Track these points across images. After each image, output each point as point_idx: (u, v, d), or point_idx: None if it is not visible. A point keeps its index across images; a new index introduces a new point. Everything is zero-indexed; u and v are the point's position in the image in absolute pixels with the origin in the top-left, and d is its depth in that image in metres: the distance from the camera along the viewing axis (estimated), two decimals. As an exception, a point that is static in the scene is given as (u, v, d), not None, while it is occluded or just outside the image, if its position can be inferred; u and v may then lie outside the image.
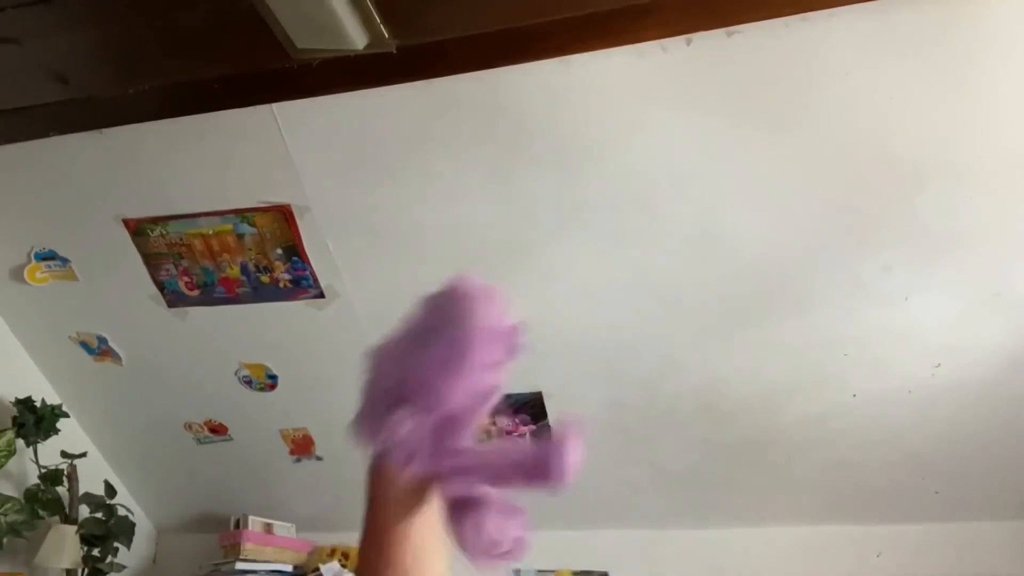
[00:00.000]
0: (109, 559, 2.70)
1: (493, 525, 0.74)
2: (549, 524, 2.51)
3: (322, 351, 2.44)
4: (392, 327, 0.78)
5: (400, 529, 0.68)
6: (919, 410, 2.21)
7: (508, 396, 2.43)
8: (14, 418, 2.51)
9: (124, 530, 2.73)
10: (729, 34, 1.57)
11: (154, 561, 3.19)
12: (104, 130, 1.99)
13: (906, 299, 1.98)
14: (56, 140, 2.03)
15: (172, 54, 1.76)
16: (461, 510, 0.73)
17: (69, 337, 2.60)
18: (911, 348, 2.08)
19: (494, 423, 2.51)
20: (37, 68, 1.82)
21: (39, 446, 2.55)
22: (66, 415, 2.65)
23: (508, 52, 1.65)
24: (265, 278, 2.25)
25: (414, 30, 1.62)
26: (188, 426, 2.82)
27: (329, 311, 2.30)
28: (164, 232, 2.21)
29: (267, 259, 2.21)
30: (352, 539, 2.94)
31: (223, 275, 2.27)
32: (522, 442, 0.82)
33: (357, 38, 1.61)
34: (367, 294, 2.25)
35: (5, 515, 2.35)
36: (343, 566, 2.82)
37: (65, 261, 2.36)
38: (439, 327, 0.76)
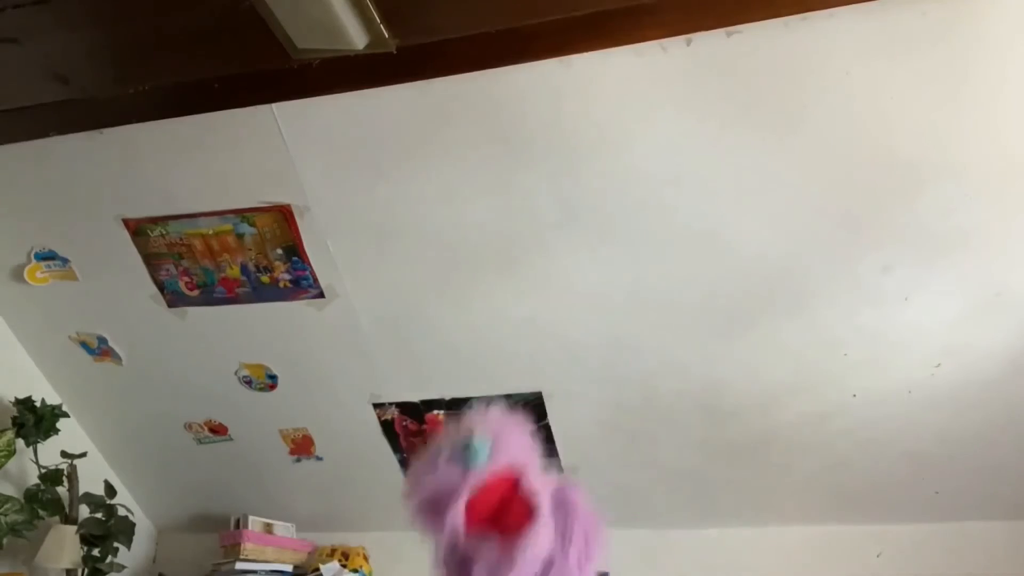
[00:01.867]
0: (109, 559, 2.70)
1: None
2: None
3: (322, 351, 2.44)
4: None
5: None
6: (919, 410, 2.21)
7: (508, 396, 2.43)
8: (14, 418, 2.51)
9: (124, 530, 2.73)
10: (729, 34, 1.57)
11: (154, 561, 3.19)
12: (104, 130, 1.99)
13: (906, 299, 1.98)
14: (56, 140, 2.03)
15: (172, 54, 1.76)
16: None
17: (69, 337, 2.60)
18: (911, 348, 2.08)
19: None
20: (37, 68, 1.82)
21: (39, 446, 2.55)
22: (66, 415, 2.65)
23: (508, 52, 1.65)
24: (265, 278, 2.25)
25: (414, 30, 1.62)
26: (188, 426, 2.82)
27: (329, 311, 2.30)
28: (164, 232, 2.21)
29: (267, 259, 2.21)
30: (352, 539, 2.94)
31: (223, 275, 2.27)
32: None
33: (357, 38, 1.61)
34: (367, 294, 2.25)
35: (5, 515, 2.35)
36: (343, 566, 2.83)
37: (65, 261, 2.36)
38: None
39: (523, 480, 1.01)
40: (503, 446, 1.02)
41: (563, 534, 1.02)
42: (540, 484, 1.03)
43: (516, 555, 0.96)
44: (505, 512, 1.00)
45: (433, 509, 0.99)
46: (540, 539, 0.99)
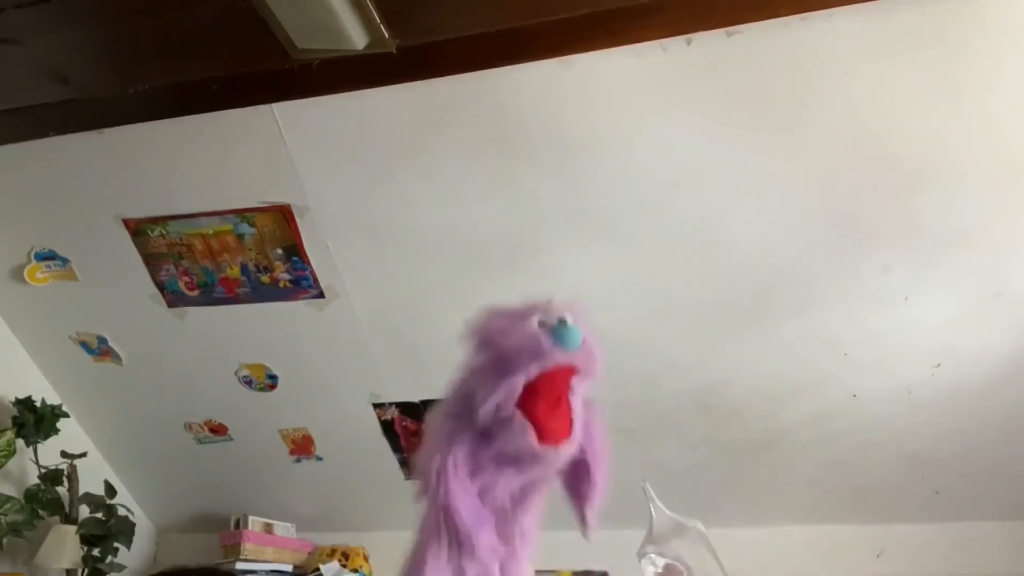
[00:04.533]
0: (109, 559, 2.70)
1: None
2: (549, 524, 2.49)
3: (322, 351, 2.44)
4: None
5: None
6: (919, 410, 2.21)
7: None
8: (14, 418, 2.51)
9: (124, 530, 2.73)
10: (729, 34, 1.57)
11: (154, 561, 3.19)
12: (104, 130, 1.99)
13: (906, 299, 1.98)
14: (56, 140, 2.03)
15: (172, 54, 1.76)
16: None
17: (69, 337, 2.60)
18: (911, 348, 2.08)
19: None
20: (37, 68, 1.82)
21: (39, 446, 2.55)
22: (66, 415, 2.65)
23: (508, 52, 1.65)
24: (265, 278, 2.25)
25: (414, 30, 1.62)
26: (188, 426, 2.82)
27: (329, 311, 2.30)
28: (164, 232, 2.21)
29: (267, 259, 2.21)
30: (352, 539, 2.94)
31: (223, 275, 2.27)
32: None
33: (357, 38, 1.61)
34: (367, 294, 2.25)
35: (5, 515, 2.35)
36: (343, 566, 2.82)
37: (65, 261, 2.36)
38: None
39: (575, 390, 0.96)
40: (589, 341, 0.94)
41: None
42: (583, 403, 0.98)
43: (543, 465, 0.93)
44: (551, 412, 0.94)
45: (497, 358, 0.90)
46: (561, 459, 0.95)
